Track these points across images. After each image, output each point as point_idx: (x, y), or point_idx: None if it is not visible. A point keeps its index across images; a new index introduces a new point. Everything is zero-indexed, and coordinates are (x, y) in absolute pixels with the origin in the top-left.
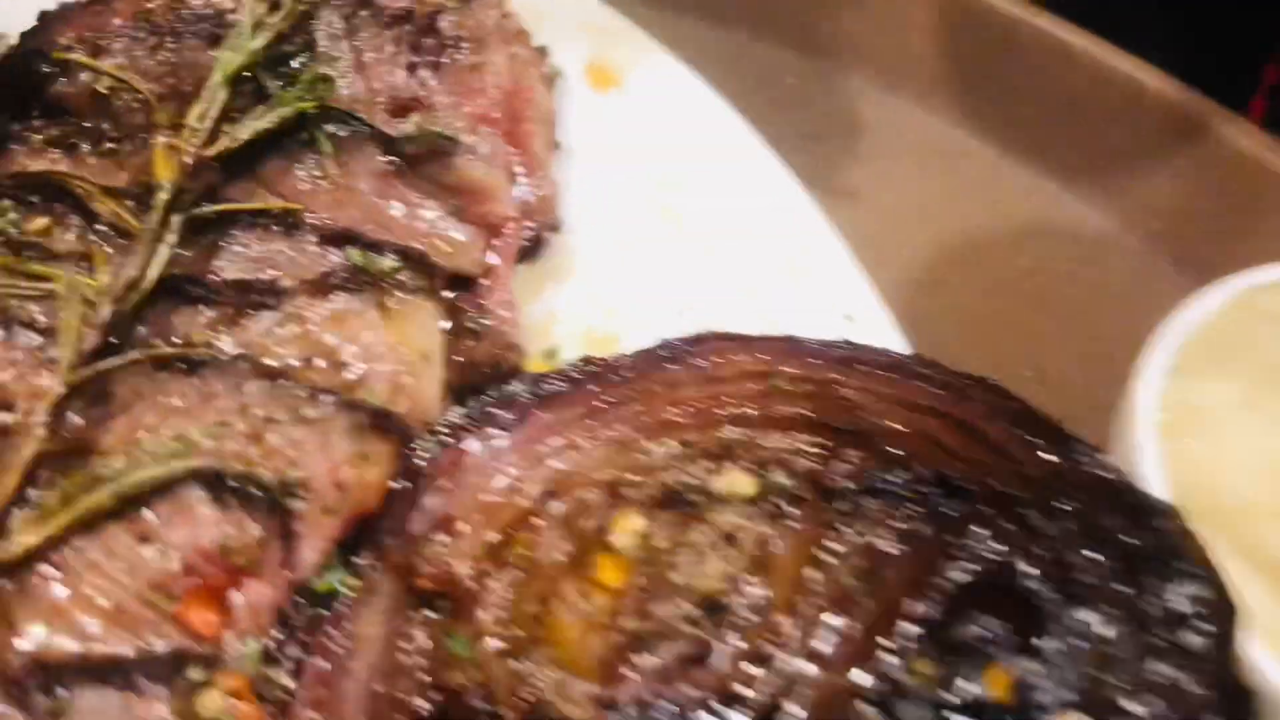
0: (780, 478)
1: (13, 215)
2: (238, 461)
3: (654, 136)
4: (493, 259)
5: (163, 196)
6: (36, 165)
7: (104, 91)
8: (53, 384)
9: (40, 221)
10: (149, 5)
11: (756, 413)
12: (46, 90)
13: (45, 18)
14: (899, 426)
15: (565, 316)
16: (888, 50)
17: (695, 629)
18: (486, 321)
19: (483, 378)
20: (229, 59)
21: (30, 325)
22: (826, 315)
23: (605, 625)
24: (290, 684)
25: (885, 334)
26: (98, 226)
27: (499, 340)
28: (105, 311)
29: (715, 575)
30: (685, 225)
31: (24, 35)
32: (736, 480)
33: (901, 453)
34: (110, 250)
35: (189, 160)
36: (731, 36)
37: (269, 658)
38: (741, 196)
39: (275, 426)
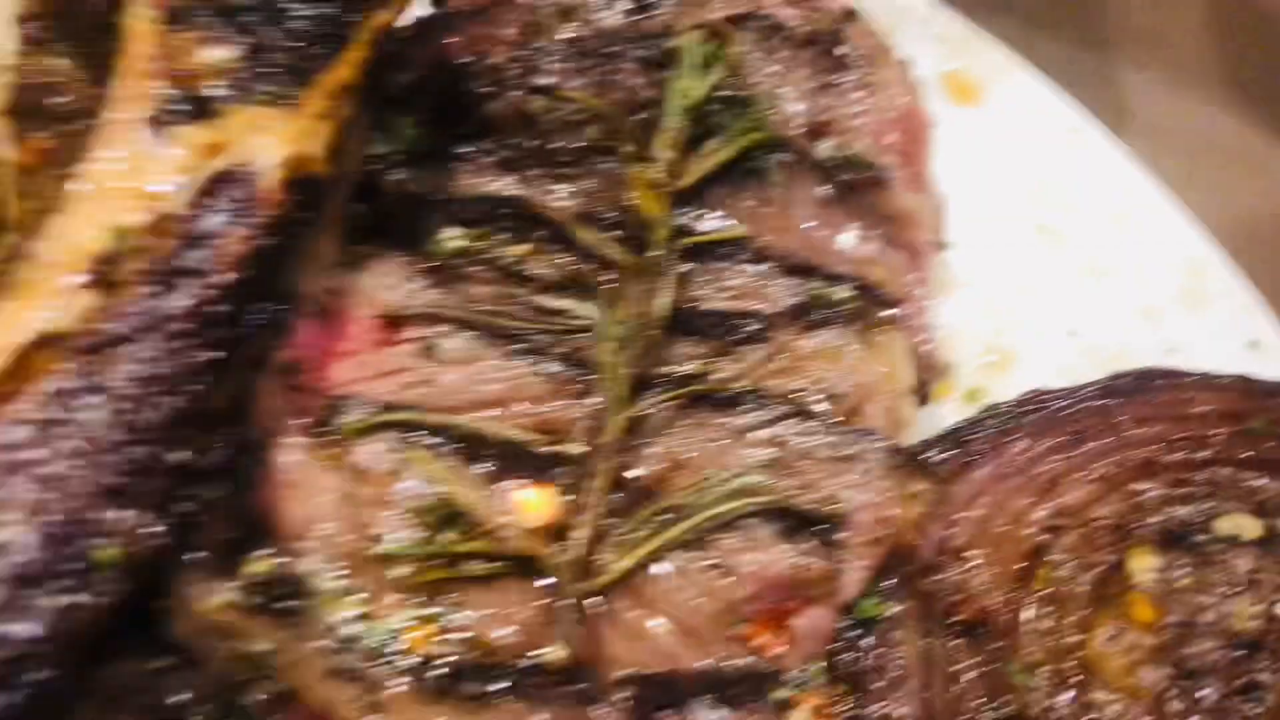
0: None
1: (494, 240)
2: (788, 495)
3: (1022, 152)
4: (915, 284)
5: (659, 229)
6: (488, 188)
7: (537, 111)
8: (601, 418)
9: (521, 248)
10: (533, 18)
11: (1241, 454)
12: (480, 107)
13: (424, 26)
14: None
15: (958, 335)
16: None
17: (1238, 666)
18: (917, 344)
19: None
20: (689, 88)
21: (556, 357)
22: (1228, 341)
23: (1146, 660)
24: (853, 703)
25: None
26: (577, 255)
27: (928, 365)
28: (635, 347)
29: (1245, 614)
30: (1065, 245)
31: (405, 43)
32: (1242, 523)
33: None
34: (601, 281)
35: (667, 191)
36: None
37: (830, 679)
38: (1123, 219)
39: (817, 462)
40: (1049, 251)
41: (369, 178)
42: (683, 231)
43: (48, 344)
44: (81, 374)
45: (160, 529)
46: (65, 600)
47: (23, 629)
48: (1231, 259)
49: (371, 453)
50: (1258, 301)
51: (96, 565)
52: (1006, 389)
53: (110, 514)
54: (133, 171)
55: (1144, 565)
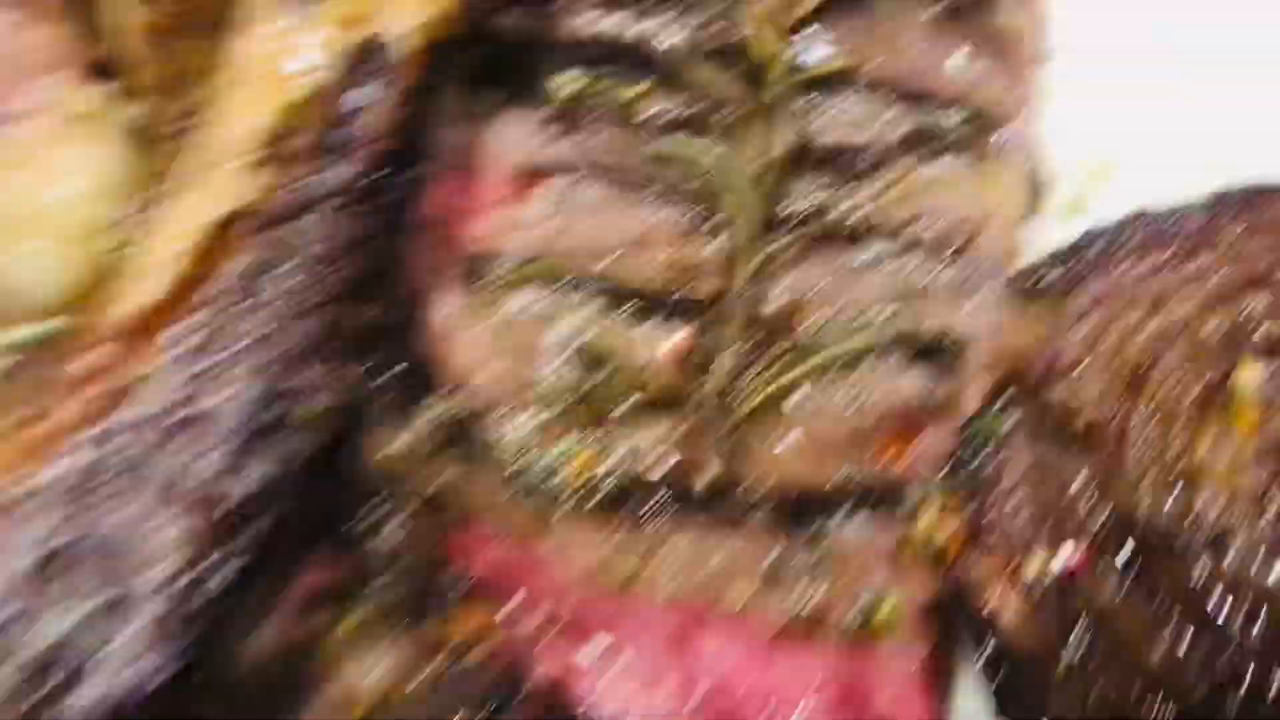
0: None
1: (610, 83)
2: (910, 326)
3: None
4: (1021, 101)
5: (774, 64)
6: (600, 26)
7: None
8: (731, 258)
9: (637, 89)
10: None
11: None
12: None
13: None
14: None
15: (1061, 146)
16: None
17: None
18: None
19: None
20: None
21: (684, 201)
22: None
23: (1249, 464)
24: (973, 507)
25: None
26: (693, 94)
27: (1034, 179)
28: (759, 187)
29: None
30: (1170, 53)
31: None
32: None
33: None
34: (718, 120)
35: (782, 26)
36: None
37: (949, 488)
38: (1228, 26)
39: (936, 294)
40: (1154, 58)
41: (483, 25)
42: (796, 65)
43: (233, 223)
44: (267, 247)
45: (351, 379)
46: (277, 450)
47: (250, 476)
48: None
49: (521, 302)
50: None
51: (301, 417)
52: (1109, 198)
53: (309, 371)
54: (283, 51)
55: (1250, 375)
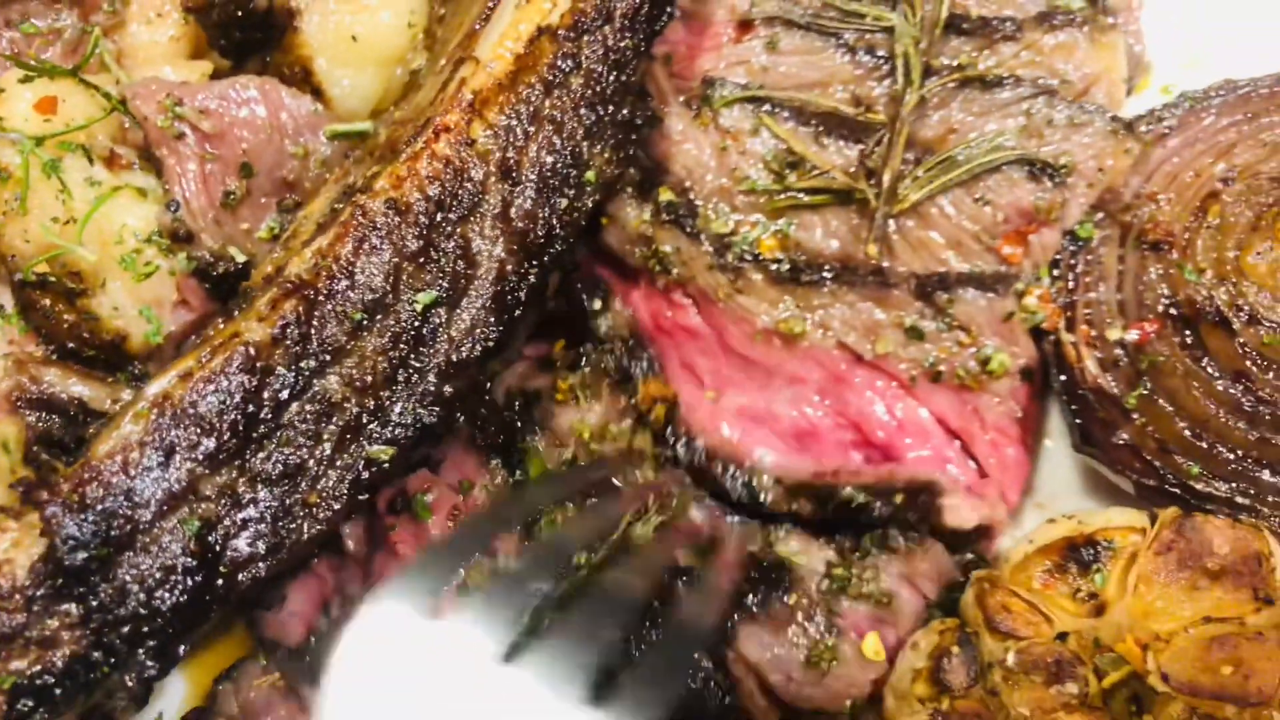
0: None
1: None
2: (1033, 150)
3: None
4: None
5: None
6: None
7: None
8: (897, 94)
9: None
10: None
11: None
12: None
13: None
14: None
15: (1158, 38)
16: None
17: None
18: (1132, 43)
19: None
20: None
21: (865, 49)
22: None
23: None
24: (1069, 291)
25: None
26: None
27: (1135, 62)
28: (923, 43)
29: None
30: None
31: None
32: None
33: None
34: None
35: None
36: None
37: (1053, 277)
38: None
39: (1055, 127)
40: None
41: None
42: None
43: (546, 33)
44: (568, 53)
45: (617, 160)
46: (569, 201)
47: (551, 217)
48: None
49: (735, 118)
50: None
51: (584, 181)
52: (1196, 84)
53: (589, 147)
54: None
55: None
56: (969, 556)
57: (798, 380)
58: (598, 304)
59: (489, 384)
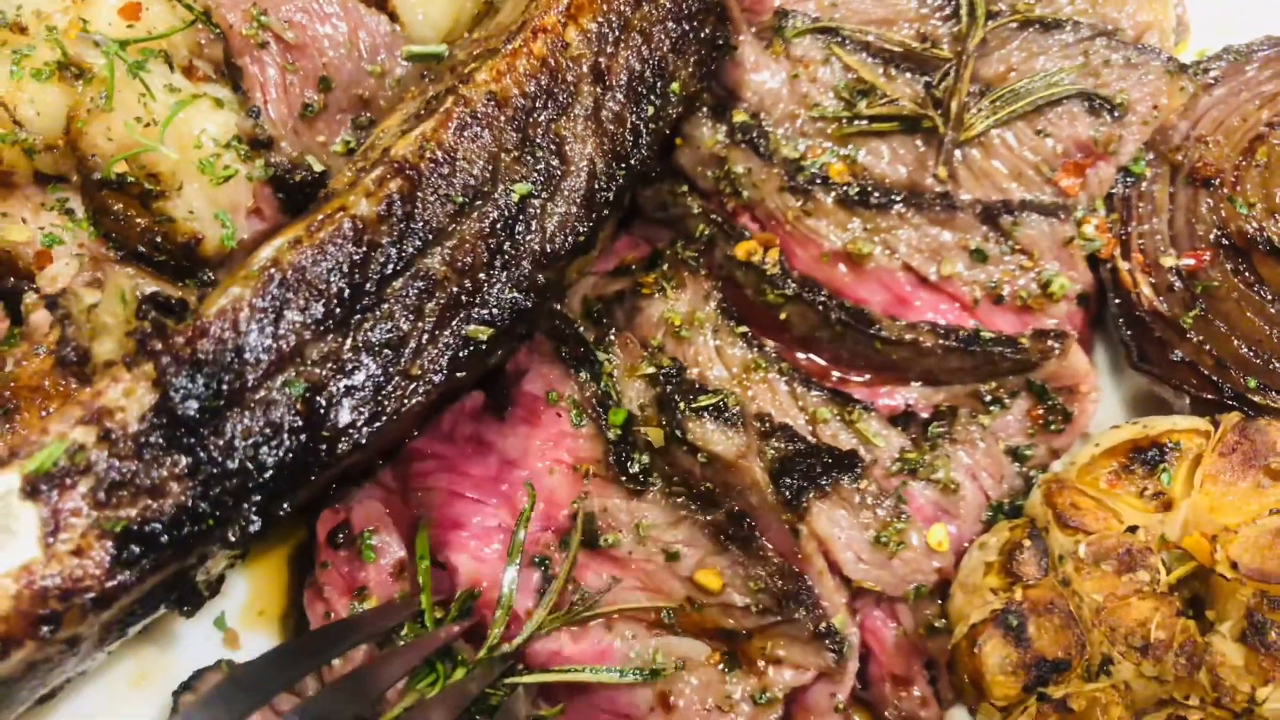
0: None
1: None
2: (1092, 86)
3: None
4: None
5: None
6: None
7: None
8: (962, 33)
9: None
10: None
11: None
12: None
13: None
14: None
15: (1197, 7)
16: None
17: None
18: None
19: None
20: None
21: None
22: None
23: None
24: (1125, 221)
25: None
26: None
27: (1179, 23)
28: None
29: None
30: None
31: None
32: None
33: None
34: None
35: None
36: None
37: (1109, 206)
38: None
39: (1113, 67)
40: None
41: None
42: None
43: None
44: None
45: (700, 75)
46: (655, 109)
47: (638, 121)
48: None
49: (806, 49)
50: None
51: (670, 92)
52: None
53: (675, 60)
54: None
55: None
56: (1030, 461)
57: (866, 302)
58: (684, 187)
59: (564, 297)
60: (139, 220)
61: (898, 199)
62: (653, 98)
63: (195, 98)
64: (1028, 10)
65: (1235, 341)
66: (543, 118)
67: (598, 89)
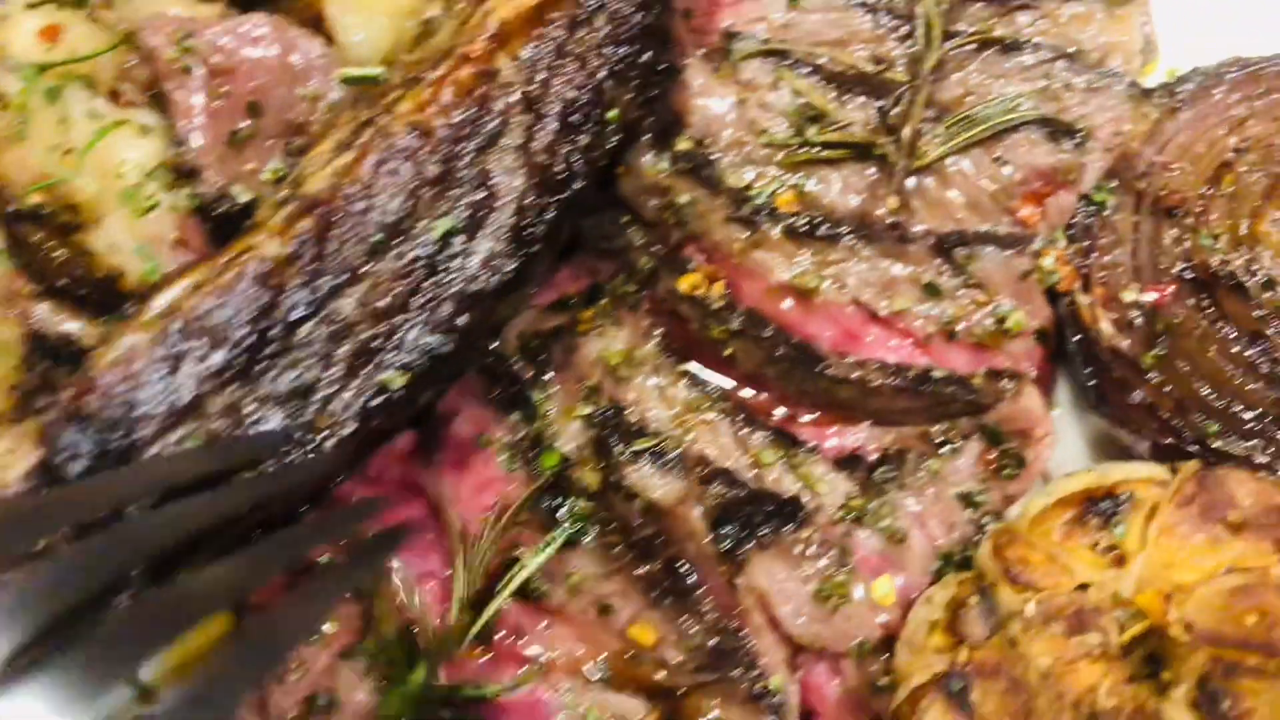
0: None
1: None
2: (1052, 112)
3: None
4: None
5: None
6: None
7: None
8: (918, 55)
9: None
10: None
11: None
12: None
13: None
14: None
15: (1168, 26)
16: None
17: None
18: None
19: None
20: None
21: (886, 10)
22: None
23: None
24: (1086, 253)
25: None
26: None
27: (1147, 44)
28: (944, 5)
29: None
30: None
31: None
32: None
33: None
34: None
35: None
36: None
37: (1069, 237)
38: None
39: (1074, 91)
40: None
41: None
42: None
43: None
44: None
45: (639, 102)
46: (590, 139)
47: (571, 152)
48: None
49: (755, 72)
50: None
51: (606, 120)
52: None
53: (612, 87)
54: None
55: None
56: (982, 508)
57: (814, 337)
58: (627, 217)
59: (498, 333)
60: (58, 252)
61: (847, 231)
62: (588, 127)
63: (117, 124)
64: (987, 31)
65: (1197, 383)
66: (468, 150)
67: (529, 118)
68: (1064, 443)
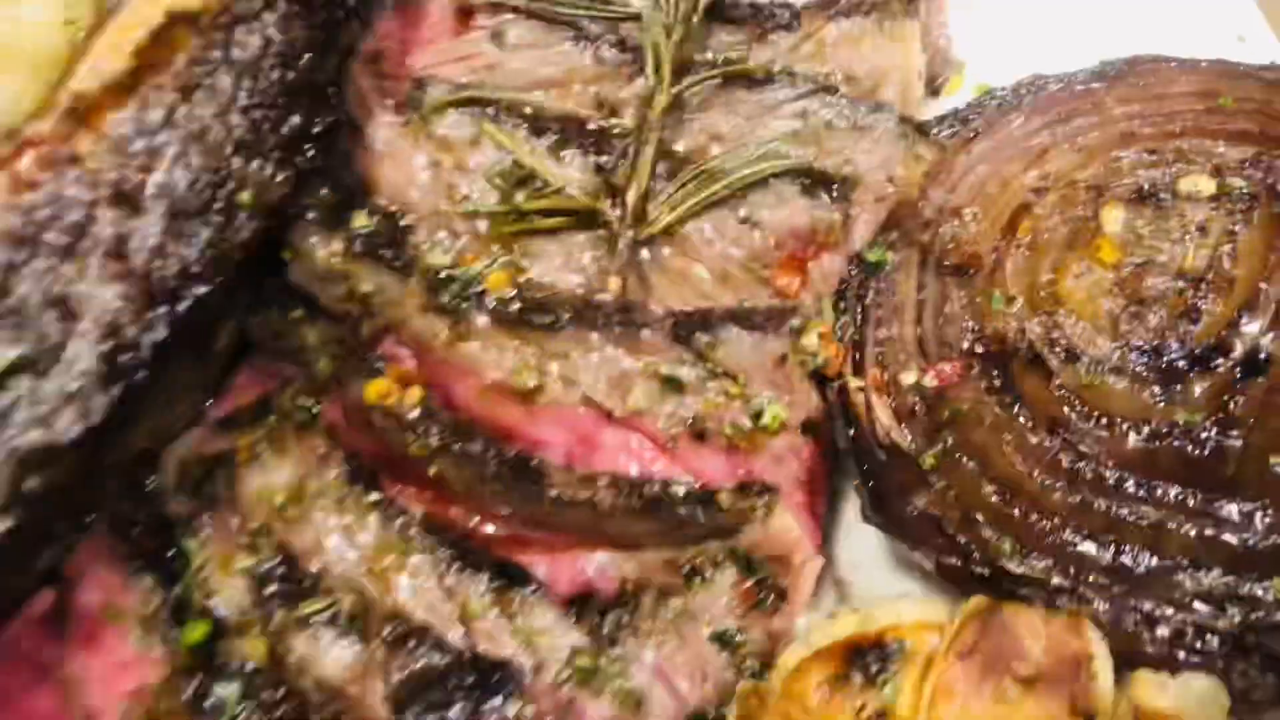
0: (1235, 180)
1: None
2: (809, 159)
3: None
4: None
5: None
6: None
7: None
8: (648, 97)
9: None
10: None
11: (1208, 126)
12: None
13: None
14: None
15: (972, 33)
16: None
17: (1182, 296)
18: (933, 40)
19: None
20: None
21: (609, 43)
22: (1218, 36)
23: (1107, 293)
24: (858, 328)
25: (1276, 53)
26: None
27: (943, 59)
28: (677, 34)
29: (1193, 256)
30: None
31: None
32: (1199, 182)
33: None
34: None
35: None
36: None
37: (836, 310)
38: None
39: (835, 132)
40: None
41: None
42: None
43: (181, 22)
44: (213, 46)
45: (282, 178)
46: (213, 231)
47: (186, 251)
48: None
49: (452, 126)
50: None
51: (235, 205)
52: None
53: (243, 163)
54: None
55: (1113, 217)
56: (741, 650)
57: (540, 445)
58: (299, 311)
59: (154, 462)
60: None
61: (570, 316)
62: (210, 217)
63: None
64: (732, 63)
65: (987, 486)
66: (36, 264)
67: (122, 213)
68: (859, 544)
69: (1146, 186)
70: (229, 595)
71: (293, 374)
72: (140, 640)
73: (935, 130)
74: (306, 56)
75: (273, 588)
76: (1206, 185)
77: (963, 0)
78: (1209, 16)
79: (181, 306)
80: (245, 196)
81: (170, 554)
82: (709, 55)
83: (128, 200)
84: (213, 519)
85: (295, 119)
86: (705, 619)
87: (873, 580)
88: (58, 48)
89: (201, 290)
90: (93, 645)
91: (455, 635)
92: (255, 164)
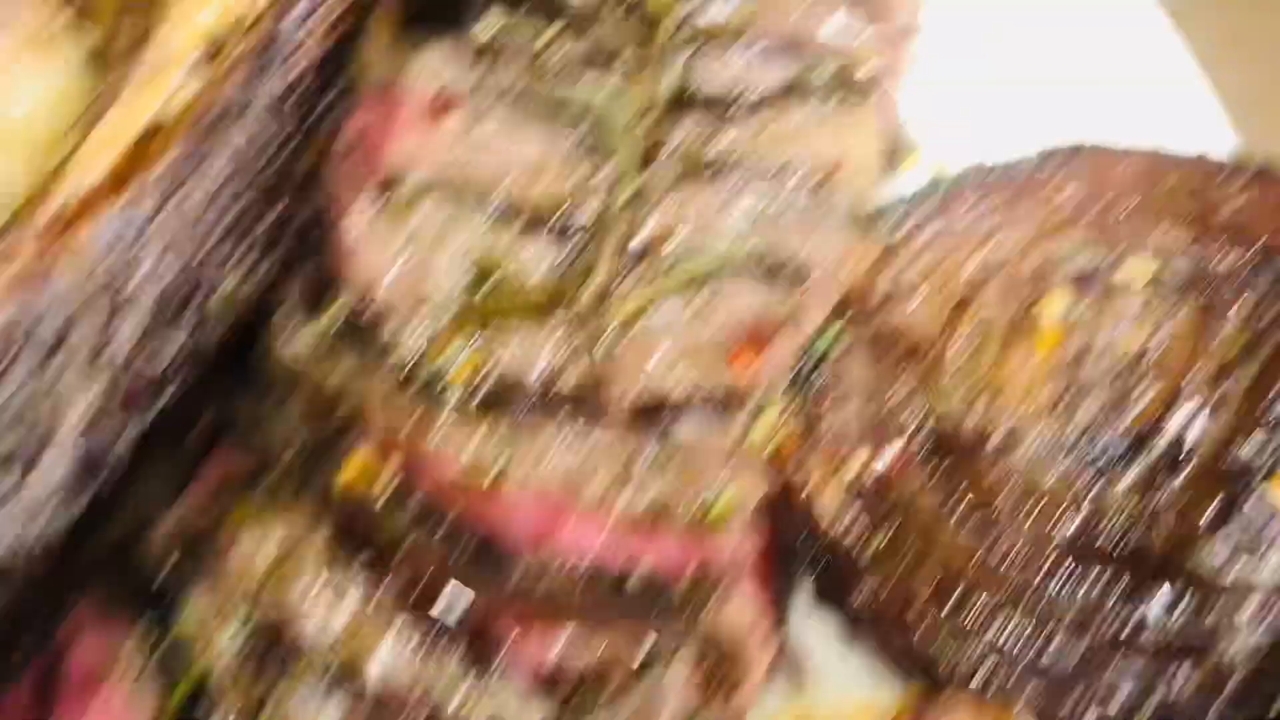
0: (1172, 267)
1: (524, 25)
2: (764, 250)
3: None
4: (890, 64)
5: (670, 19)
6: None
7: None
8: (613, 187)
9: (547, 32)
10: None
11: (1149, 211)
12: None
13: None
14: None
15: (928, 115)
16: None
17: (1119, 379)
18: (889, 122)
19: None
20: None
21: (577, 135)
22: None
23: (1047, 379)
24: (807, 413)
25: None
26: (596, 41)
27: (897, 140)
28: (642, 126)
29: (1131, 340)
30: (1034, 40)
31: None
32: (1137, 267)
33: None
34: (616, 64)
35: None
36: None
37: (788, 396)
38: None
39: (789, 221)
40: (1018, 44)
41: None
42: (688, 20)
43: (167, 124)
44: (194, 150)
45: (261, 272)
46: (191, 329)
47: (164, 350)
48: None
49: (425, 216)
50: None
51: (214, 301)
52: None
53: (222, 260)
54: None
55: (1054, 302)
56: None
57: (503, 530)
58: (273, 398)
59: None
60: None
61: (530, 405)
62: (188, 315)
63: None
64: (697, 148)
65: (927, 575)
66: (16, 364)
67: (100, 320)
68: (819, 637)
69: (1087, 272)
70: (222, 658)
71: (267, 458)
72: (128, 702)
73: (885, 218)
74: (289, 149)
75: (258, 652)
76: (1144, 271)
77: (920, 80)
78: (1164, 101)
79: (159, 404)
80: (224, 292)
81: (158, 618)
82: (674, 143)
83: (106, 307)
84: (200, 586)
85: (275, 213)
86: (667, 700)
87: (828, 661)
88: (48, 135)
89: (178, 387)
90: (81, 707)
91: (427, 709)
92: (234, 259)
